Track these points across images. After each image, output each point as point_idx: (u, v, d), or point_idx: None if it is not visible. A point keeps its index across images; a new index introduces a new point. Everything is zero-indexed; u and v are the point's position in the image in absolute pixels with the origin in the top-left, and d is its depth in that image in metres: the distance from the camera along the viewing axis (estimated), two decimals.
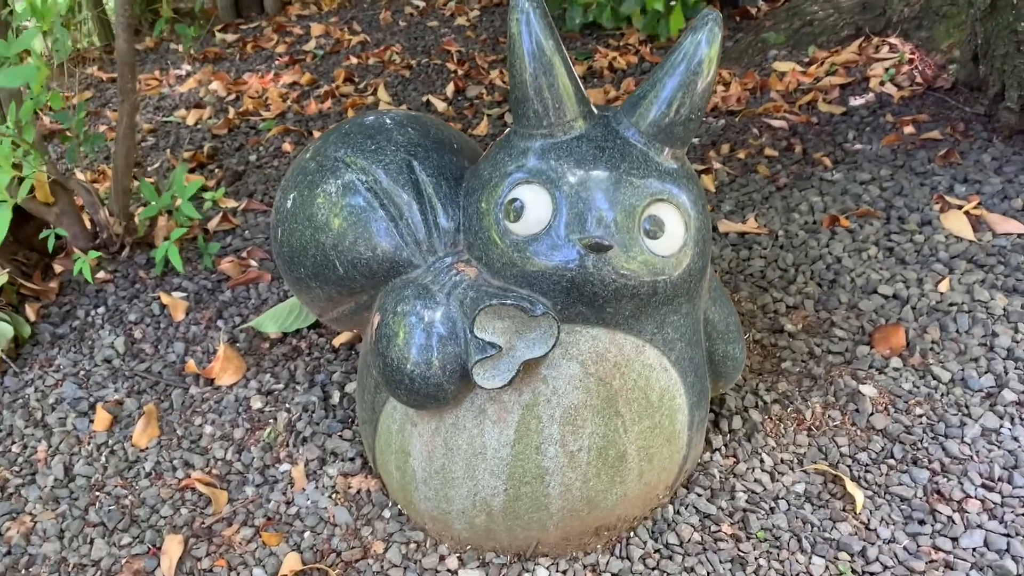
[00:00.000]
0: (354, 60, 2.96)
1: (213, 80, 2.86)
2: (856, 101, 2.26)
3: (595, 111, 0.98)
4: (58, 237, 1.61)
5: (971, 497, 1.13)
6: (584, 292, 0.92)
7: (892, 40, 2.51)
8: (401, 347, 0.95)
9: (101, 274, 1.67)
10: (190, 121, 2.56)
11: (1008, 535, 1.08)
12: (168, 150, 2.33)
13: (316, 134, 2.36)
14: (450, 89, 2.63)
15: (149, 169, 2.27)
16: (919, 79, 2.30)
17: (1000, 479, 1.15)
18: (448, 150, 1.07)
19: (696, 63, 0.93)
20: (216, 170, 2.21)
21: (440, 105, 2.53)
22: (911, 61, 2.38)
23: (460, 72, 2.76)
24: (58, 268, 1.68)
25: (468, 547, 1.10)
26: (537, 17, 0.92)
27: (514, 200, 0.94)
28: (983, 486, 1.14)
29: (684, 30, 0.96)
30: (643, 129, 0.95)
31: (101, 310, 1.59)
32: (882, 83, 2.32)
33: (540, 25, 0.92)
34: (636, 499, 1.06)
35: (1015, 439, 1.20)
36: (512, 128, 0.99)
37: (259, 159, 2.26)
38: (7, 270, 1.54)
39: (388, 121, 1.10)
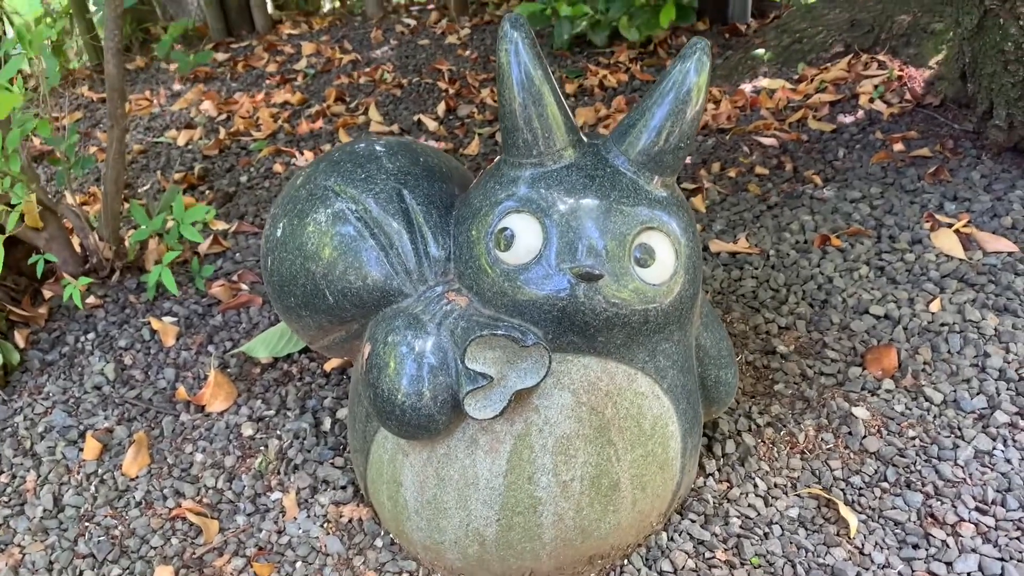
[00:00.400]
0: (345, 79, 2.96)
1: (204, 100, 2.86)
2: (846, 119, 2.27)
3: (584, 140, 0.98)
4: (47, 262, 1.61)
5: (965, 521, 1.13)
6: (575, 321, 0.92)
7: (881, 57, 2.53)
8: (392, 378, 0.95)
9: (91, 299, 1.66)
10: (181, 141, 2.55)
11: (1003, 559, 1.08)
12: (159, 171, 2.33)
13: (307, 154, 2.36)
14: (441, 108, 2.63)
15: (140, 190, 2.26)
16: (908, 96, 2.32)
17: (994, 502, 1.15)
18: (438, 178, 1.07)
19: (685, 91, 0.93)
20: (207, 191, 2.20)
21: (431, 124, 2.53)
22: (900, 78, 2.40)
23: (451, 91, 2.77)
24: (47, 293, 1.67)
25: None
26: (526, 47, 0.92)
27: (504, 229, 0.93)
28: (977, 509, 1.14)
29: (674, 58, 0.96)
30: (632, 157, 0.95)
31: (91, 336, 1.58)
32: (871, 100, 2.33)
33: (529, 55, 0.92)
34: (630, 527, 1.06)
35: (1008, 461, 1.20)
36: (502, 157, 0.99)
37: (250, 180, 2.25)
38: None
39: (378, 149, 1.10)
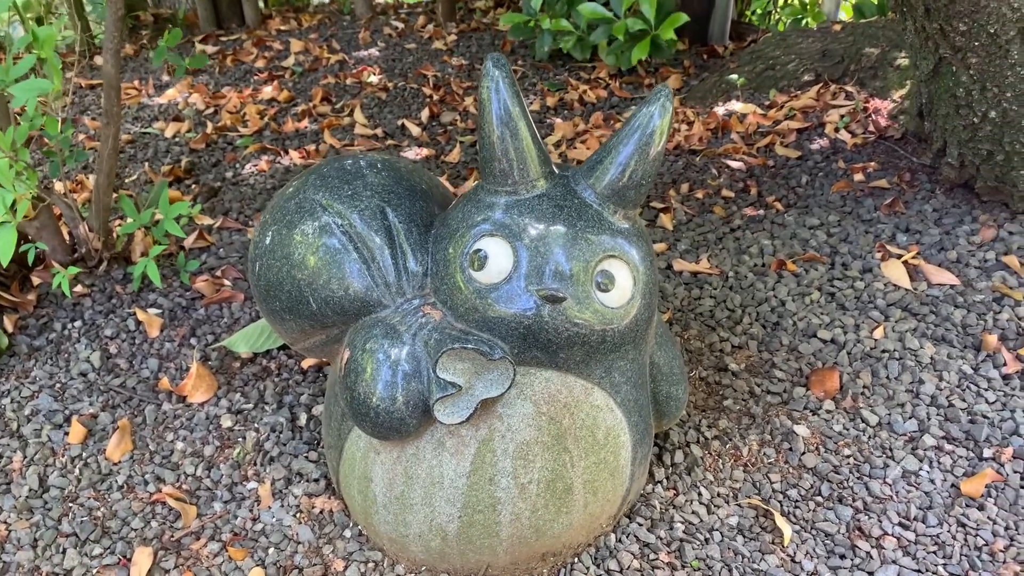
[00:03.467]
0: (331, 79, 3.03)
1: (192, 92, 2.91)
2: (811, 146, 2.38)
3: (555, 171, 1.07)
4: (37, 250, 1.67)
5: (888, 535, 1.23)
6: (539, 339, 1.01)
7: (849, 88, 2.64)
8: (368, 382, 1.03)
9: (78, 288, 1.72)
10: (168, 133, 2.61)
11: (919, 571, 1.18)
12: (146, 163, 2.39)
13: (292, 153, 2.43)
14: (425, 114, 2.71)
15: (127, 181, 2.32)
16: (872, 127, 2.43)
17: (915, 519, 1.25)
18: (419, 197, 1.15)
19: (649, 133, 1.02)
20: (193, 185, 2.26)
21: (415, 130, 2.61)
22: (865, 109, 2.51)
23: (435, 97, 2.85)
24: (36, 280, 1.73)
25: (423, 568, 1.18)
26: (506, 85, 1.00)
27: (479, 251, 1.02)
28: (900, 524, 1.25)
29: (640, 102, 1.05)
30: (599, 191, 1.04)
31: (78, 324, 1.65)
32: (837, 130, 2.44)
33: (508, 92, 1.00)
34: (581, 528, 1.15)
35: (931, 481, 1.30)
36: (479, 183, 1.08)
37: (236, 176, 2.32)
38: None
39: (364, 166, 1.18)
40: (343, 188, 1.13)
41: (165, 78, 3.13)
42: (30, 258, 1.66)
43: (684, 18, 2.77)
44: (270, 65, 3.20)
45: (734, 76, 2.78)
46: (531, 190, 1.04)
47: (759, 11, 3.82)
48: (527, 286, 0.99)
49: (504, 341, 1.02)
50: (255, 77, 3.09)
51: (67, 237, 1.77)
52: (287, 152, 2.45)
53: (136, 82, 3.07)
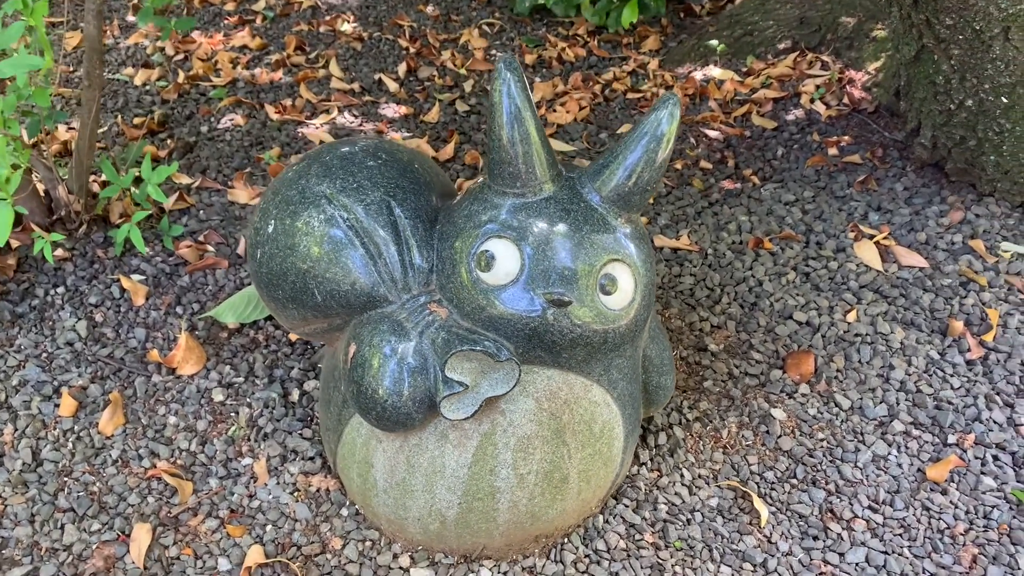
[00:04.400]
0: (304, 26, 2.96)
1: (160, 36, 2.83)
2: (787, 116, 2.41)
3: (563, 172, 1.08)
4: (16, 213, 1.64)
5: (858, 517, 1.31)
6: (544, 339, 1.04)
7: (825, 57, 2.66)
8: (375, 377, 1.05)
9: (59, 252, 1.70)
10: (138, 81, 2.54)
11: (886, 553, 1.26)
12: (117, 114, 2.33)
13: (268, 108, 2.39)
14: (402, 69, 2.68)
15: (98, 132, 2.26)
16: (846, 100, 2.46)
17: (884, 502, 1.33)
18: (424, 192, 1.16)
19: (656, 139, 1.04)
20: (168, 140, 2.22)
21: (392, 85, 2.58)
22: (840, 80, 2.54)
23: (412, 50, 2.81)
24: (14, 243, 1.70)
25: (420, 548, 1.22)
26: (517, 87, 1.01)
27: (486, 251, 1.04)
28: (869, 508, 1.32)
29: (648, 109, 1.06)
30: (604, 195, 1.06)
31: (60, 290, 1.63)
32: (812, 100, 2.47)
33: (520, 95, 1.01)
34: (573, 512, 1.20)
35: (899, 466, 1.38)
36: (486, 182, 1.09)
37: (211, 131, 2.28)
38: None
39: (366, 155, 1.18)
40: (348, 180, 1.14)
41: (130, 18, 3.03)
42: (9, 222, 1.63)
43: None
44: (240, 8, 3.12)
45: (713, 42, 2.78)
46: (538, 193, 1.06)
47: None
48: (533, 289, 1.02)
49: (509, 340, 1.05)
50: (225, 21, 3.00)
51: (44, 198, 1.73)
52: (263, 106, 2.41)
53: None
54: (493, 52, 2.86)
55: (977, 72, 1.68)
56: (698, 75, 2.70)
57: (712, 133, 2.36)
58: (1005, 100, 1.69)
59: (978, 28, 1.57)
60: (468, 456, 1.09)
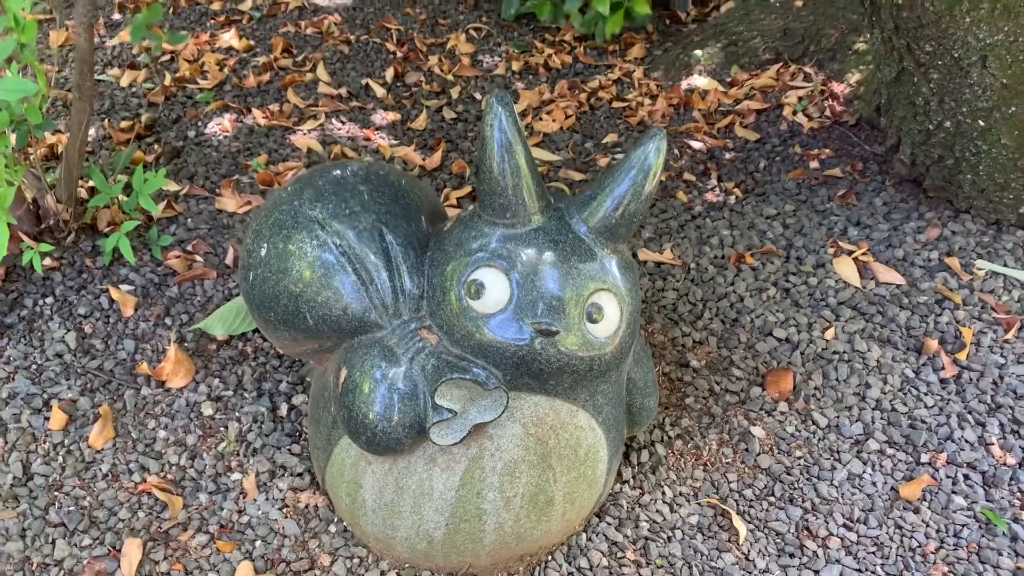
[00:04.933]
0: (291, 27, 2.96)
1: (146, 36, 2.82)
2: (770, 128, 2.45)
3: (551, 203, 1.11)
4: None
5: (833, 535, 1.35)
6: (531, 367, 1.07)
7: (808, 69, 2.70)
8: (366, 402, 1.08)
9: (47, 261, 1.71)
10: (124, 83, 2.54)
11: (860, 571, 1.30)
12: (104, 117, 2.33)
13: (256, 112, 2.39)
14: (389, 74, 2.69)
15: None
16: (828, 112, 2.50)
17: (858, 520, 1.37)
18: (415, 218, 1.18)
19: (643, 172, 1.07)
20: (155, 145, 2.23)
21: (379, 91, 2.59)
22: (823, 92, 2.58)
23: (399, 55, 2.82)
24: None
25: (407, 566, 1.25)
26: (508, 121, 1.03)
27: (476, 280, 1.06)
28: (844, 526, 1.36)
29: (635, 141, 1.09)
30: (591, 225, 1.09)
31: (49, 300, 1.64)
32: (795, 112, 2.51)
33: (511, 129, 1.03)
34: (558, 532, 1.23)
35: (874, 484, 1.42)
36: (476, 211, 1.11)
37: (198, 136, 2.28)
38: None
39: (358, 180, 1.20)
40: (340, 205, 1.16)
41: (116, 16, 3.01)
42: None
43: None
44: (226, 8, 3.11)
45: (698, 52, 2.81)
46: (528, 223, 1.08)
47: None
48: (522, 318, 1.05)
49: (497, 367, 1.07)
50: (211, 21, 3.00)
51: (32, 206, 1.74)
52: (250, 111, 2.42)
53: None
54: (480, 58, 2.88)
55: (955, 96, 1.72)
56: (683, 84, 2.73)
57: (696, 144, 2.39)
58: (982, 123, 1.73)
59: (957, 56, 1.61)
60: (456, 479, 1.12)
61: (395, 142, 2.35)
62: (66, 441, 1.41)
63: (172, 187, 2.02)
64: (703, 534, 1.34)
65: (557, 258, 1.06)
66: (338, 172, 1.23)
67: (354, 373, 1.09)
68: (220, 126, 2.33)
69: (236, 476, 1.38)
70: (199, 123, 2.35)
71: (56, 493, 1.33)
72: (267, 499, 1.34)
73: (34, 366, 1.52)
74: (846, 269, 1.86)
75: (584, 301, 1.07)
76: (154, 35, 1.67)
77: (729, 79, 2.72)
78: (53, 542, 1.27)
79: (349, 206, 1.16)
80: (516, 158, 1.04)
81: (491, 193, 1.06)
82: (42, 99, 1.45)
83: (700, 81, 2.72)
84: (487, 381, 1.05)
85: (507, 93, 1.05)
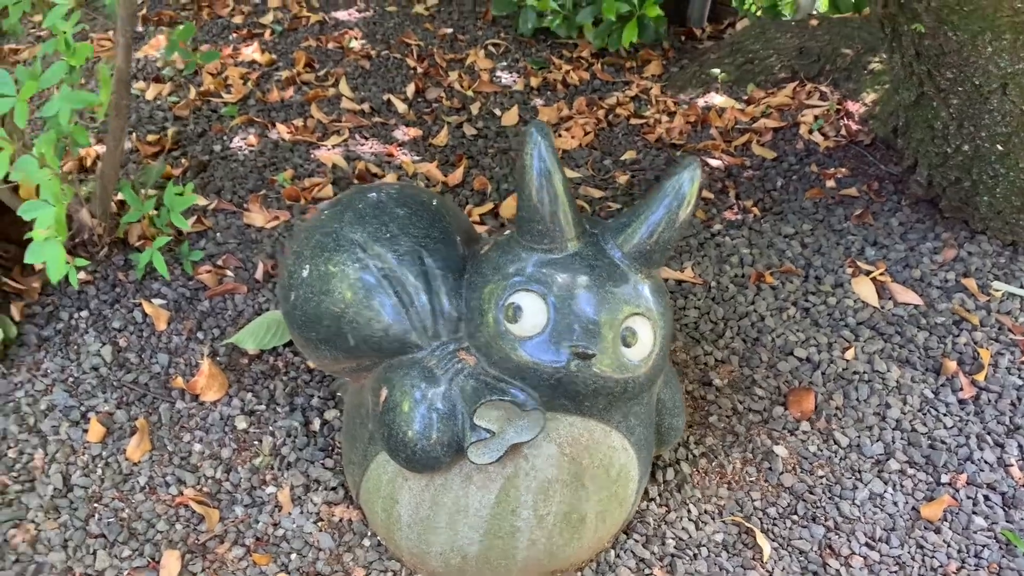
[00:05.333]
0: (313, 42, 3.00)
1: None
2: (786, 147, 2.48)
3: (587, 229, 1.14)
4: None
5: (856, 554, 1.37)
6: (567, 389, 1.10)
7: (823, 88, 2.73)
8: (406, 421, 1.11)
9: (81, 275, 1.74)
10: (149, 96, 2.58)
11: None
12: (132, 132, 2.37)
13: (280, 127, 2.43)
14: (411, 89, 2.72)
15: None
16: (844, 131, 2.53)
17: (880, 539, 1.39)
18: (452, 241, 1.22)
19: (678, 200, 1.10)
20: (181, 159, 2.26)
21: (401, 106, 2.62)
22: (839, 111, 2.61)
23: (420, 70, 2.85)
24: (37, 265, 1.74)
25: None
26: (548, 151, 1.07)
27: (514, 304, 1.09)
28: (866, 545, 1.39)
29: (668, 169, 1.12)
30: (626, 251, 1.12)
31: (84, 314, 1.67)
32: (811, 131, 2.54)
33: (550, 158, 1.07)
34: (589, 549, 1.26)
35: (895, 504, 1.44)
36: (514, 235, 1.14)
37: (224, 150, 2.32)
38: None
39: (396, 204, 1.23)
40: (382, 231, 1.19)
41: (139, 28, 3.06)
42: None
43: None
44: (248, 22, 3.15)
45: (716, 70, 2.84)
46: (564, 248, 1.11)
47: None
48: (559, 341, 1.08)
49: (534, 389, 1.10)
50: (233, 35, 3.04)
51: (67, 221, 1.77)
52: (275, 125, 2.46)
53: (110, 32, 3.00)
54: (499, 74, 2.91)
55: (975, 121, 1.75)
56: (700, 102, 2.76)
57: (714, 162, 2.42)
58: (1000, 148, 1.76)
59: (977, 83, 1.64)
60: (491, 497, 1.15)
61: (417, 158, 2.38)
62: (104, 453, 1.44)
63: (200, 201, 2.05)
64: (728, 552, 1.37)
65: (593, 283, 1.09)
66: (377, 195, 1.26)
67: (394, 392, 1.12)
68: (245, 140, 2.37)
69: (271, 489, 1.41)
70: (224, 137, 2.39)
71: (95, 504, 1.37)
72: (302, 512, 1.37)
73: (71, 379, 1.56)
74: (864, 289, 1.89)
75: (619, 325, 1.10)
76: (187, 53, 1.71)
77: (746, 97, 2.75)
78: (94, 553, 1.30)
79: (389, 229, 1.19)
80: (554, 186, 1.07)
81: (529, 219, 1.09)
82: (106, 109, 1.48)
83: (717, 99, 2.75)
84: (525, 402, 1.08)
85: (545, 124, 1.09)
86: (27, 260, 1.25)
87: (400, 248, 1.17)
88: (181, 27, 1.65)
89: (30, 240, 1.67)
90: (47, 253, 1.27)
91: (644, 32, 2.94)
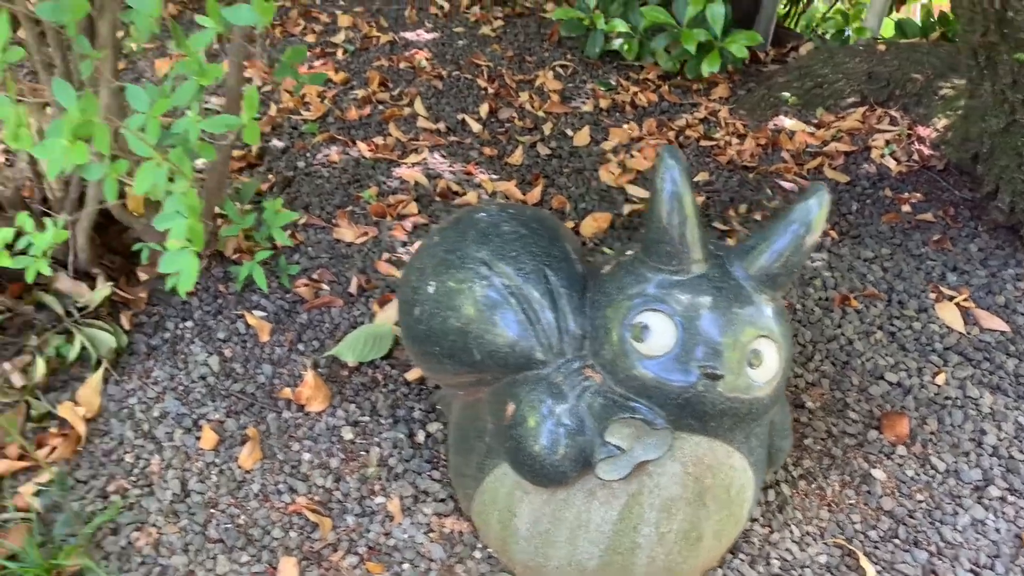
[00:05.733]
0: (385, 61, 3.06)
1: (249, 66, 2.93)
2: (859, 171, 2.49)
3: (713, 252, 1.17)
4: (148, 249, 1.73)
5: None
6: (695, 409, 1.12)
7: (893, 112, 2.74)
8: (533, 436, 1.14)
9: None
10: None
11: None
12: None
13: (360, 145, 2.48)
14: (484, 109, 2.77)
15: (198, 163, 2.36)
16: (916, 156, 2.54)
17: (985, 566, 1.40)
18: (572, 260, 1.25)
19: (806, 226, 1.12)
20: (268, 174, 2.32)
21: (475, 126, 2.67)
22: (909, 136, 2.62)
23: (491, 90, 2.90)
24: (142, 276, 1.80)
25: None
26: (681, 176, 1.09)
27: (641, 323, 1.12)
28: (971, 571, 1.39)
29: (798, 196, 1.15)
30: (752, 274, 1.14)
31: (189, 324, 1.72)
32: (882, 156, 2.55)
33: (682, 183, 1.09)
34: (702, 567, 1.28)
35: (998, 531, 1.45)
36: (639, 256, 1.17)
37: (308, 166, 2.38)
38: (108, 283, 1.66)
39: (522, 229, 1.26)
40: (506, 249, 1.22)
41: (215, 46, 3.14)
42: (143, 257, 1.73)
43: (758, 38, 2.85)
44: (320, 41, 3.22)
45: (785, 94, 2.87)
46: (691, 270, 1.14)
47: (802, 21, 3.90)
48: (687, 362, 1.10)
49: (661, 408, 1.13)
50: (308, 53, 3.11)
51: None
52: (355, 143, 2.51)
53: None
54: (568, 95, 2.95)
55: None
56: (770, 125, 2.78)
57: (787, 184, 2.44)
58: None
59: None
60: (614, 513, 1.17)
61: (495, 177, 2.42)
62: (217, 460, 1.48)
63: (291, 214, 2.10)
64: (832, 573, 1.38)
65: (720, 304, 1.12)
66: (497, 214, 1.29)
67: (522, 407, 1.15)
68: (328, 157, 2.42)
69: (380, 500, 1.44)
70: (307, 154, 2.44)
71: (212, 510, 1.40)
72: (412, 523, 1.40)
73: (181, 387, 1.60)
74: (949, 315, 1.90)
75: (745, 347, 1.12)
76: (299, 75, 1.76)
77: (815, 121, 2.77)
78: (214, 558, 1.33)
79: (512, 247, 1.22)
80: (685, 209, 1.10)
81: (659, 241, 1.12)
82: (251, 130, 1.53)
83: (787, 122, 2.77)
84: (655, 421, 1.10)
85: (677, 149, 1.12)
86: (161, 269, 1.30)
87: (524, 266, 1.21)
88: (290, 49, 1.70)
89: (137, 252, 1.73)
90: (181, 263, 1.32)
91: (724, 63, 2.97)
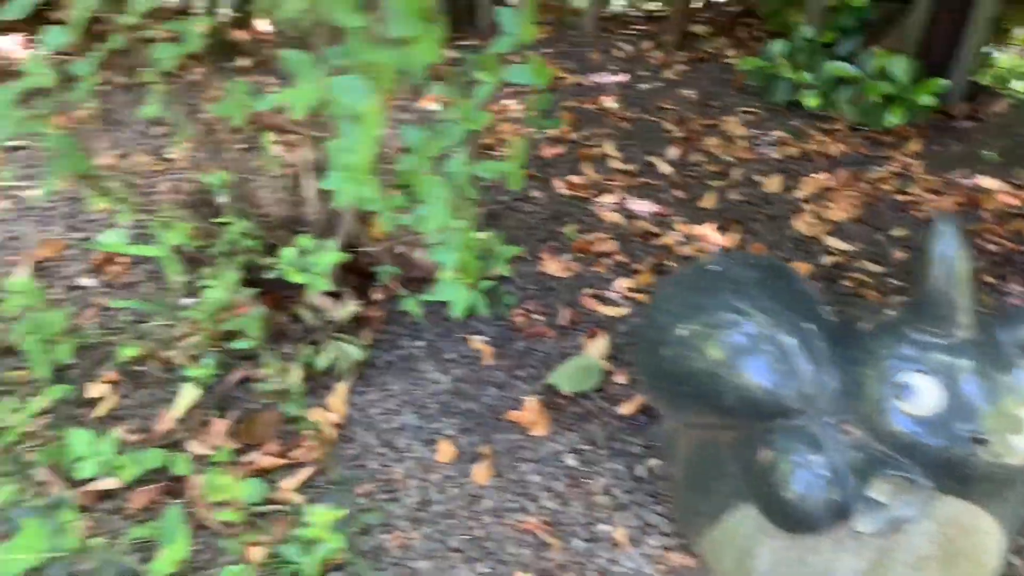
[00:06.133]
0: (573, 102, 3.18)
1: (439, 103, 3.10)
2: None
3: (977, 318, 1.19)
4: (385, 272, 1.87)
5: None
6: (957, 472, 1.14)
7: None
8: (791, 484, 1.19)
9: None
10: None
11: None
12: None
13: (557, 182, 2.59)
14: (672, 152, 2.84)
15: None
16: None
17: None
18: (823, 313, 1.30)
19: None
20: (479, 211, 2.45)
21: (665, 168, 2.74)
22: None
23: (678, 133, 2.97)
24: (374, 296, 1.94)
25: None
26: (955, 242, 1.13)
27: (906, 384, 1.16)
28: None
29: None
30: (1017, 343, 1.16)
31: (420, 343, 1.85)
32: None
33: (956, 251, 1.13)
34: None
35: None
36: (902, 317, 1.21)
37: (512, 201, 2.50)
38: (357, 301, 1.81)
39: (771, 280, 1.32)
40: (762, 298, 1.28)
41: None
42: (382, 279, 1.87)
43: (943, 83, 2.82)
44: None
45: (985, 152, 2.82)
46: (958, 335, 1.17)
47: (988, 75, 3.81)
48: (952, 425, 1.13)
49: (921, 467, 1.16)
50: (502, 90, 3.26)
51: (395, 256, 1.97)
52: (550, 180, 2.62)
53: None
54: (757, 141, 2.99)
55: None
56: (966, 182, 2.74)
57: (990, 247, 2.40)
58: None
59: None
60: (863, 564, 1.20)
61: (686, 219, 2.48)
62: (454, 474, 1.59)
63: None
64: None
65: (986, 370, 1.14)
66: (746, 262, 1.36)
67: (781, 456, 1.20)
68: (527, 193, 2.54)
69: (605, 527, 1.51)
70: (508, 189, 2.56)
71: (451, 520, 1.51)
72: (640, 554, 1.46)
73: (416, 402, 1.72)
74: None
75: (1010, 414, 1.14)
76: (542, 122, 1.88)
77: (1016, 181, 2.71)
78: (455, 567, 1.43)
79: (767, 296, 1.28)
80: (958, 279, 1.14)
81: (931, 305, 1.16)
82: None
83: (985, 181, 2.72)
84: (917, 480, 1.14)
85: (953, 217, 1.15)
86: (434, 297, 1.42)
87: (780, 316, 1.26)
88: (538, 95, 1.82)
89: (361, 265, 1.87)
90: (452, 293, 1.44)
91: (911, 115, 2.95)
